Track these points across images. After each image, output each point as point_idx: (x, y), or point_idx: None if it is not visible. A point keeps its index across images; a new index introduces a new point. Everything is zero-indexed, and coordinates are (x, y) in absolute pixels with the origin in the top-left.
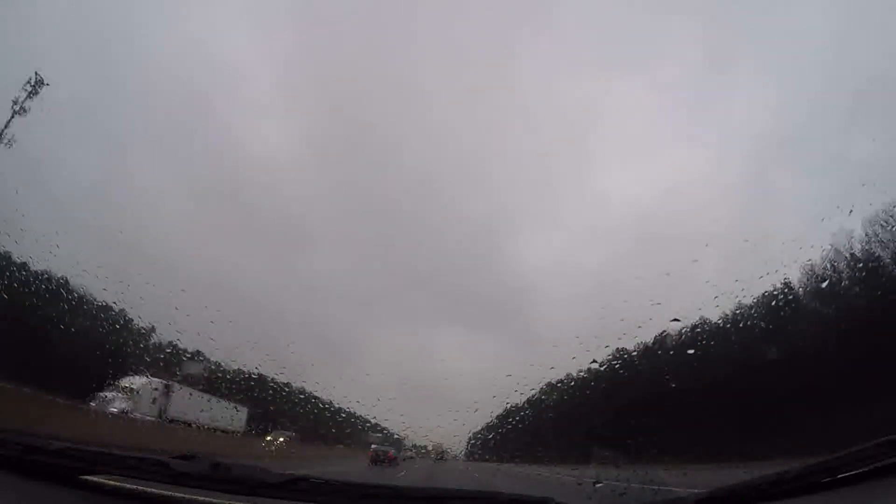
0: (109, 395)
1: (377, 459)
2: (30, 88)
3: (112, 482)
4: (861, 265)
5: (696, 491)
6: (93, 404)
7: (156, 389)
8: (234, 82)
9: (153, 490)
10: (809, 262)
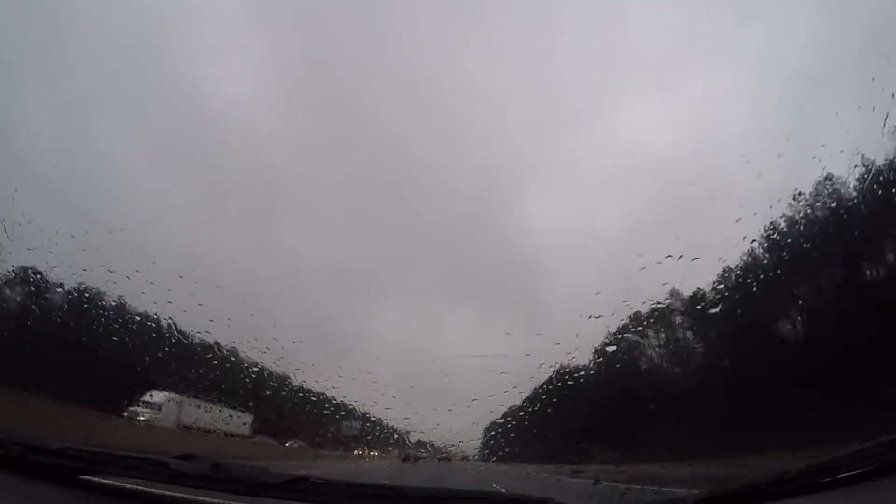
0: (139, 408)
1: (407, 458)
2: None
3: (112, 482)
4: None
5: (696, 492)
6: (125, 415)
7: (170, 401)
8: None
9: (153, 490)
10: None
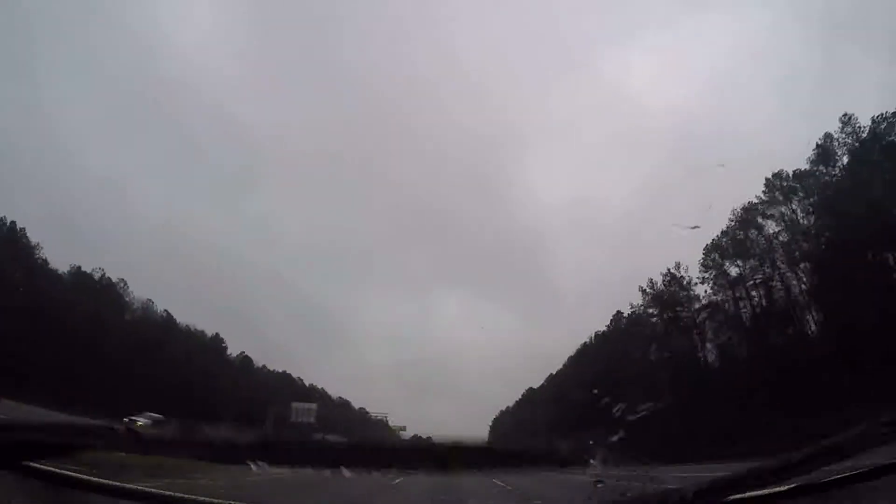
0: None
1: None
2: None
3: (59, 471)
4: None
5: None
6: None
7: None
8: None
9: (101, 480)
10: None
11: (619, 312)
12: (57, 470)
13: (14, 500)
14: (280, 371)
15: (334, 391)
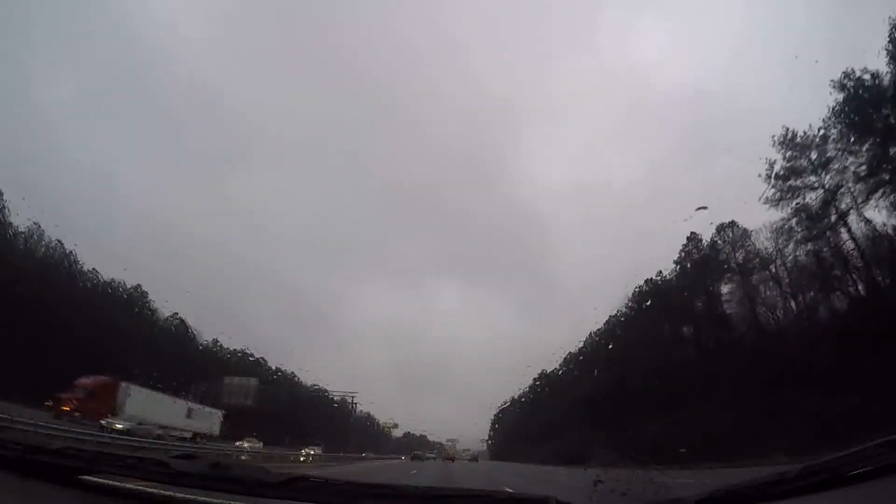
0: None
1: (415, 457)
2: None
3: (111, 482)
4: None
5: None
6: None
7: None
8: None
9: (153, 490)
10: None
11: (650, 279)
12: (116, 484)
13: (14, 501)
14: (241, 349)
15: (309, 380)
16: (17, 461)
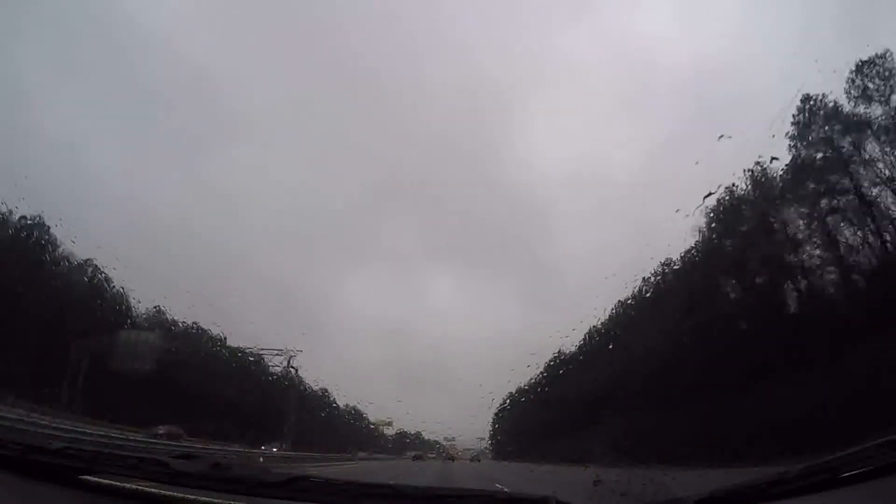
0: None
1: (417, 457)
2: None
3: (111, 482)
4: None
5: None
6: None
7: None
8: None
9: (153, 490)
10: None
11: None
12: (116, 483)
13: (14, 501)
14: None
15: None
16: (18, 461)
